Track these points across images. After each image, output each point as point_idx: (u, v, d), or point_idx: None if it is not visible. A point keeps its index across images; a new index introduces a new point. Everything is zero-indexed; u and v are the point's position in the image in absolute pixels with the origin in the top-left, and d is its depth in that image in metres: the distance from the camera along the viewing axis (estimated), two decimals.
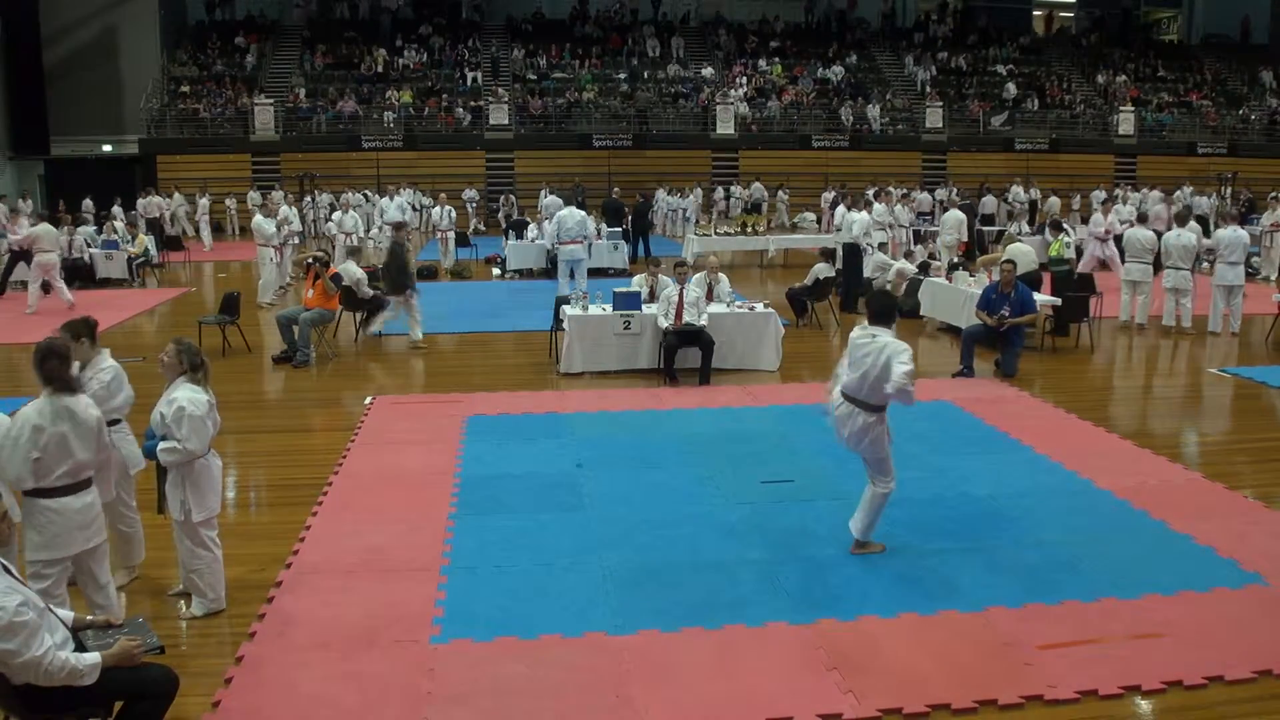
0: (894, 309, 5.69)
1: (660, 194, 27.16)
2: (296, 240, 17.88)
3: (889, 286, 15.52)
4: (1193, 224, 13.20)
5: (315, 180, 26.34)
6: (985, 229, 20.19)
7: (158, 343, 5.26)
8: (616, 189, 23.01)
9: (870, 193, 18.68)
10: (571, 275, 14.18)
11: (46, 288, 14.61)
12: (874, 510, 5.69)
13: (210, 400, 4.99)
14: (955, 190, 25.70)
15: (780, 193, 28.08)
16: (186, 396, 4.85)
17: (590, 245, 15.24)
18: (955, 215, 17.72)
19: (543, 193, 25.12)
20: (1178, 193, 26.88)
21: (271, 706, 4.27)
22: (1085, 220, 24.40)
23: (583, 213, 15.29)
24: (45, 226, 14.85)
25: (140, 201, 24.11)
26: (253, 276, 16.18)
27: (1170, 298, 12.56)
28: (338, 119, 29.26)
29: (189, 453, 4.83)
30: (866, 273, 15.66)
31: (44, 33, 28.21)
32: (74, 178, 26.37)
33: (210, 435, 4.95)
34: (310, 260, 11.56)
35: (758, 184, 28.20)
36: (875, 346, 5.38)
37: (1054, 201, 25.45)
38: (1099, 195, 26.71)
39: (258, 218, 15.63)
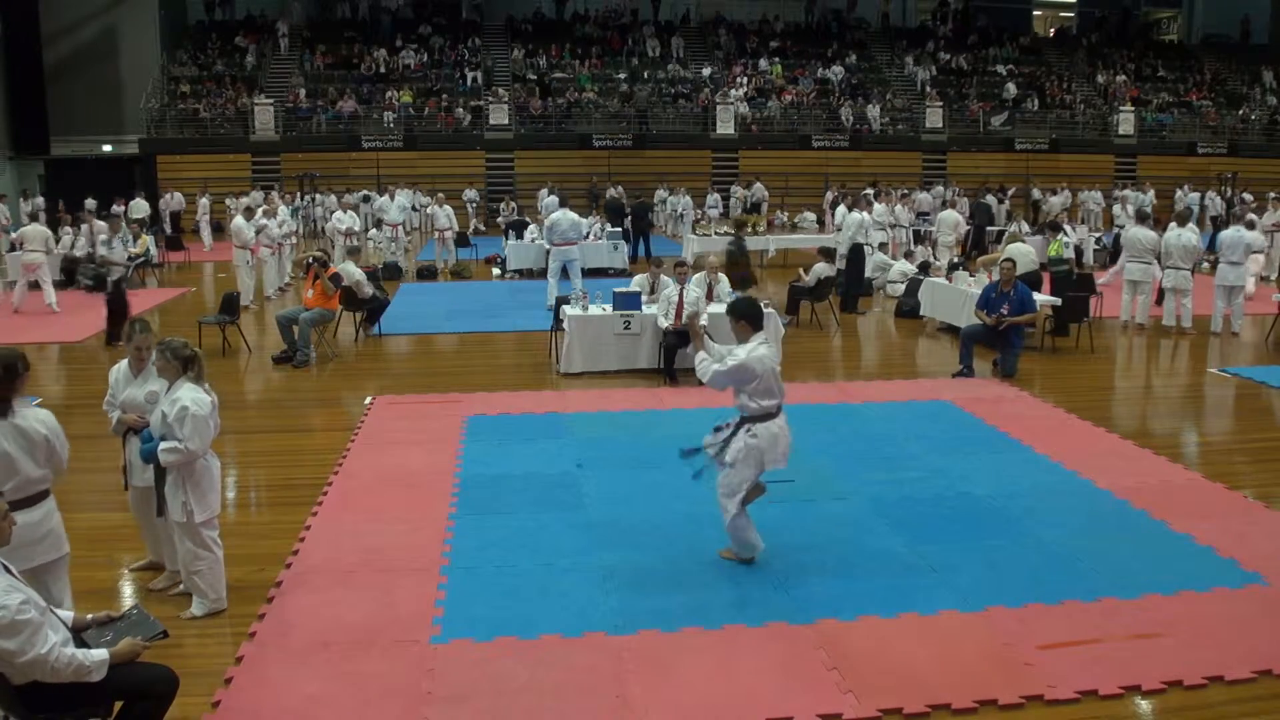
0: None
1: (660, 193, 27.12)
2: (294, 240, 17.87)
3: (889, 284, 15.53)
4: (1191, 225, 13.18)
5: (315, 180, 26.36)
6: (986, 228, 20.18)
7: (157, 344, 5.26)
8: (621, 188, 22.99)
9: (870, 192, 18.70)
10: (565, 276, 14.15)
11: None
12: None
13: (213, 401, 4.97)
14: (957, 190, 25.69)
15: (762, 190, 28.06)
16: (190, 397, 4.83)
17: (580, 246, 14.99)
18: (952, 215, 17.77)
19: (543, 193, 25.12)
20: (1178, 193, 26.91)
21: (271, 706, 4.27)
22: (1083, 220, 24.47)
23: (575, 214, 15.19)
24: (34, 227, 14.69)
25: (161, 201, 24.95)
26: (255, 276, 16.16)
27: (1170, 298, 12.56)
28: (338, 119, 29.26)
29: (190, 453, 4.81)
30: (867, 273, 15.68)
31: (44, 33, 28.18)
32: (74, 178, 26.36)
33: (212, 436, 4.94)
34: (310, 260, 11.55)
35: (759, 184, 28.18)
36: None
37: (1054, 202, 25.47)
38: (1095, 195, 26.82)
39: (238, 219, 15.32)
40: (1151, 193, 24.87)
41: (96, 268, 12.22)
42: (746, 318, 5.51)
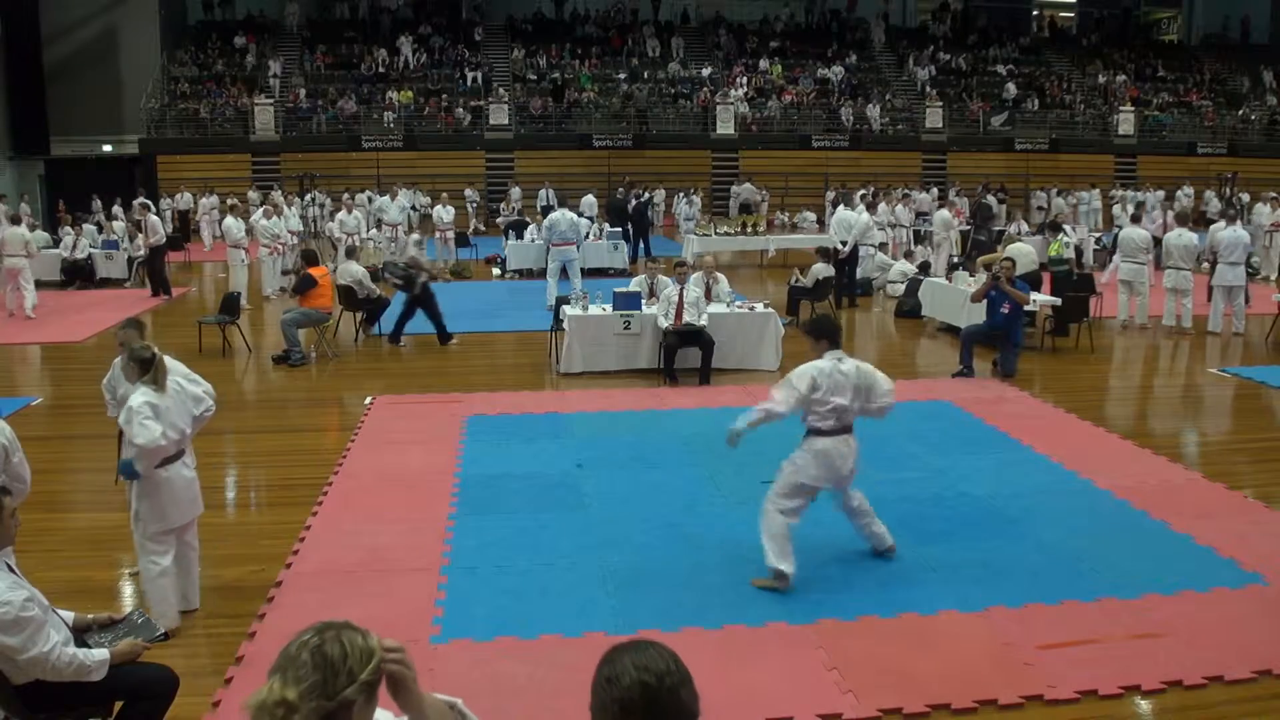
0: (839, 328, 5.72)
1: (661, 194, 27.09)
2: (294, 241, 17.86)
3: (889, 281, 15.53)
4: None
5: (315, 180, 26.36)
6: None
7: (156, 343, 5.25)
8: (620, 189, 22.96)
9: (864, 193, 18.76)
10: (565, 276, 14.19)
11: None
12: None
13: (161, 403, 4.72)
14: (957, 189, 25.68)
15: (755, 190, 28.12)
16: (135, 399, 4.68)
17: (579, 246, 14.98)
18: (944, 214, 17.85)
19: (542, 193, 25.09)
20: (1178, 193, 26.89)
21: None
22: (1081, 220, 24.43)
23: (574, 215, 15.18)
24: (13, 230, 14.36)
25: (165, 201, 25.11)
26: (255, 276, 16.17)
27: (1170, 298, 12.56)
28: (338, 119, 29.26)
29: (143, 450, 4.62)
30: (866, 273, 15.71)
31: (44, 33, 28.16)
32: (74, 178, 26.36)
33: (159, 428, 4.63)
34: (294, 271, 11.60)
35: (748, 184, 28.13)
36: (853, 369, 5.43)
37: (1058, 203, 25.48)
38: (1086, 195, 26.81)
39: (228, 219, 15.29)
40: (1158, 193, 24.91)
41: (405, 268, 12.23)
42: (808, 333, 5.65)
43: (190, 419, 4.95)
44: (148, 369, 4.79)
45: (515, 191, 26.62)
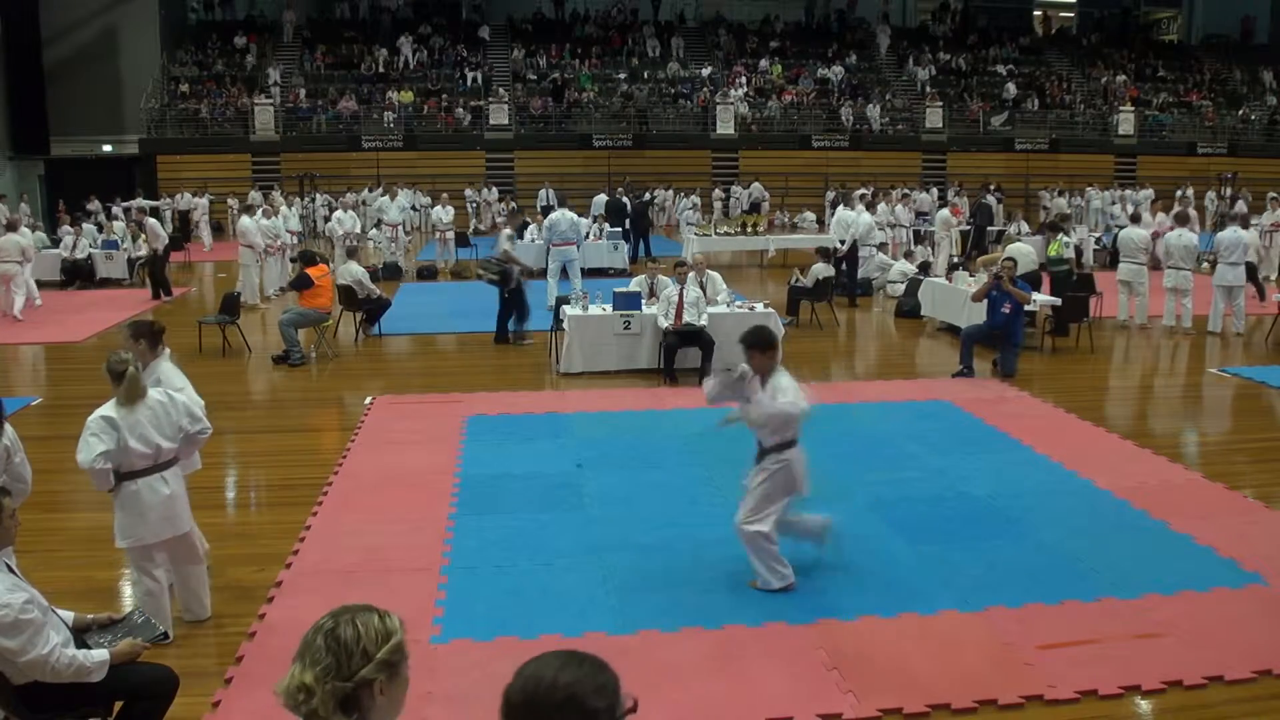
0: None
1: (662, 194, 27.12)
2: (295, 240, 17.87)
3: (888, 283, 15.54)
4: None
5: (315, 180, 26.35)
6: (986, 228, 20.18)
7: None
8: (620, 189, 22.96)
9: (860, 193, 18.75)
10: (565, 276, 14.18)
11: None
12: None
13: (126, 419, 4.55)
14: (958, 189, 25.69)
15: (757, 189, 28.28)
16: (95, 412, 4.54)
17: (580, 245, 14.93)
18: (945, 213, 17.85)
19: (542, 193, 25.09)
20: (1178, 193, 26.89)
21: (271, 706, 4.26)
22: (1079, 220, 24.47)
23: (574, 214, 15.16)
24: (9, 237, 13.99)
25: (166, 200, 25.26)
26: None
27: (1171, 297, 12.56)
28: (338, 119, 29.26)
29: (83, 468, 4.52)
30: (866, 273, 15.71)
31: (44, 33, 28.17)
32: (74, 178, 26.37)
33: (100, 447, 4.48)
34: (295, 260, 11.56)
35: (757, 184, 28.23)
36: None
37: (1059, 202, 25.48)
38: (1077, 198, 26.83)
39: (244, 219, 15.29)
40: (1146, 191, 24.92)
41: (500, 263, 12.03)
42: (763, 344, 5.42)
43: (177, 432, 4.71)
44: (118, 382, 4.57)
45: (491, 192, 26.60)
